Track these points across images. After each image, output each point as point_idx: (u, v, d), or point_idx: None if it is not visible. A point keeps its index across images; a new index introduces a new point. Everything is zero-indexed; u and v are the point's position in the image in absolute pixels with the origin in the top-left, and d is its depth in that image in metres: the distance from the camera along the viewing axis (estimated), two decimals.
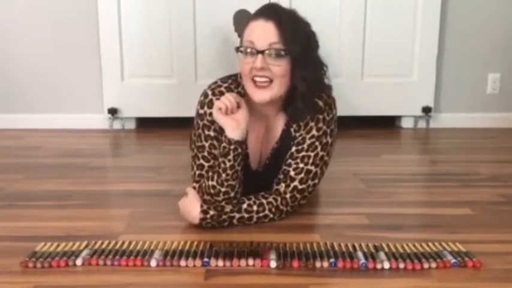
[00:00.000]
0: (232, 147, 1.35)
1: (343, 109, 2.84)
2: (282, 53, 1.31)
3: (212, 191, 1.37)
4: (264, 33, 1.30)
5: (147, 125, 2.97)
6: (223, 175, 1.36)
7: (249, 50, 1.32)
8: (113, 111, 2.88)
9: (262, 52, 1.30)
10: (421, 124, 2.97)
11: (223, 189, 1.37)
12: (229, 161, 1.35)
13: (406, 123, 2.99)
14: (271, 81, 1.33)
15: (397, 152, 2.53)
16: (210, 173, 1.39)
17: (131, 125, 2.96)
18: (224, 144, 1.36)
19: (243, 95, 1.42)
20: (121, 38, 2.81)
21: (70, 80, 2.90)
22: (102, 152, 2.54)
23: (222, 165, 1.36)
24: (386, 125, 3.02)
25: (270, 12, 1.33)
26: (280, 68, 1.32)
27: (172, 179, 1.87)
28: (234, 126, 1.35)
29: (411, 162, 2.32)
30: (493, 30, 2.89)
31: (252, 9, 1.53)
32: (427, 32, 2.83)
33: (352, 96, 2.89)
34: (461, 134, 2.81)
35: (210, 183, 1.38)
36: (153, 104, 2.88)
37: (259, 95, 1.34)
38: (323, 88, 1.43)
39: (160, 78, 2.86)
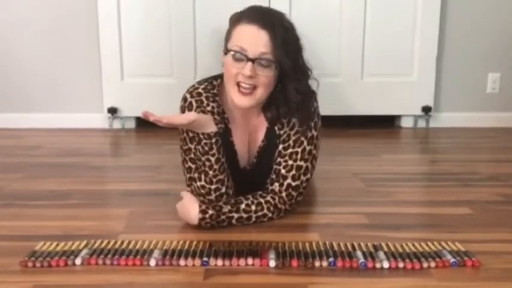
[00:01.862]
0: (213, 140, 1.35)
1: (343, 108, 2.89)
2: (273, 65, 1.31)
3: (202, 191, 1.37)
4: (257, 41, 1.30)
5: (146, 124, 2.95)
6: (211, 172, 1.36)
7: (238, 56, 1.31)
8: (112, 111, 2.88)
9: (253, 60, 1.30)
10: (421, 124, 2.98)
11: (213, 187, 1.37)
12: (214, 155, 1.35)
13: (406, 123, 2.99)
14: (254, 87, 1.33)
15: (397, 152, 2.53)
16: (196, 174, 1.38)
17: (131, 125, 2.96)
18: (205, 141, 1.34)
19: (217, 94, 1.43)
20: (121, 37, 2.81)
21: (70, 80, 2.91)
22: (102, 151, 2.54)
23: (207, 163, 1.36)
24: (386, 124, 3.02)
25: (263, 20, 1.31)
26: (267, 78, 1.32)
27: (171, 179, 1.87)
28: (211, 122, 1.35)
29: (411, 161, 2.32)
30: (493, 30, 2.89)
31: None
32: (427, 32, 2.83)
33: (352, 96, 2.89)
34: (460, 134, 2.81)
35: (199, 183, 1.37)
36: (152, 103, 2.87)
37: (242, 101, 1.34)
38: (312, 94, 1.43)
39: (160, 78, 2.86)
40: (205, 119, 1.35)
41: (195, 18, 2.79)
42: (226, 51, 1.35)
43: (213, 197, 1.37)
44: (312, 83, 1.44)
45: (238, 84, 1.33)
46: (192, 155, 1.40)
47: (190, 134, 1.39)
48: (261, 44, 1.29)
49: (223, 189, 1.38)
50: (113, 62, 2.84)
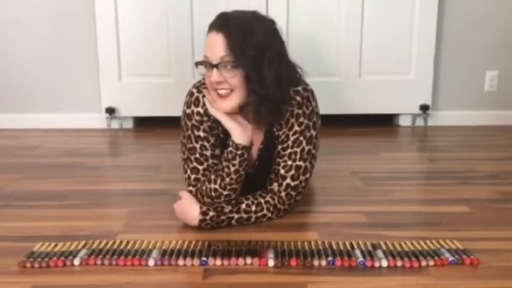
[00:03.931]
0: (239, 152, 1.34)
1: (341, 107, 2.90)
2: (234, 65, 1.29)
3: (214, 194, 1.37)
4: (215, 46, 1.29)
5: (145, 124, 2.97)
6: (227, 179, 1.35)
7: (206, 65, 1.32)
8: (110, 111, 2.88)
9: (216, 66, 1.29)
10: (419, 122, 2.98)
11: (225, 193, 1.36)
12: (234, 165, 1.35)
13: (404, 121, 3.00)
14: (231, 90, 1.32)
15: (395, 150, 2.53)
16: (213, 176, 1.37)
17: (129, 124, 2.96)
18: (231, 148, 1.35)
19: None
20: (118, 37, 2.81)
21: (68, 80, 2.90)
22: (100, 151, 2.54)
23: (226, 170, 1.35)
24: (384, 123, 3.02)
25: (220, 23, 1.31)
26: (235, 79, 1.30)
27: (170, 178, 1.87)
28: (241, 131, 1.35)
29: (409, 160, 2.32)
30: (491, 28, 2.89)
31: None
32: (425, 30, 2.83)
33: (350, 95, 2.89)
34: (459, 132, 2.81)
35: (212, 186, 1.36)
36: (150, 103, 2.88)
37: (222, 105, 1.34)
38: (285, 93, 1.37)
39: (158, 77, 2.86)
40: (246, 124, 1.36)
41: (193, 18, 2.79)
42: (197, 63, 1.35)
43: (221, 200, 1.37)
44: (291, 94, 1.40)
45: (216, 91, 1.34)
46: (198, 155, 1.40)
47: (196, 133, 1.39)
48: (219, 47, 1.28)
49: (233, 196, 1.38)
50: (111, 62, 2.84)
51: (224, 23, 1.30)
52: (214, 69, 1.29)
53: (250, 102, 1.33)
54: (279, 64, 1.33)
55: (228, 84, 1.31)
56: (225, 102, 1.34)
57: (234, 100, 1.33)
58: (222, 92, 1.33)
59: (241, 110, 1.37)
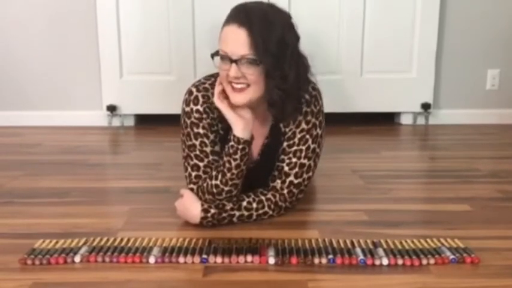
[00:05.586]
0: (240, 146, 1.34)
1: (342, 106, 2.89)
2: (255, 62, 1.28)
3: (215, 190, 1.36)
4: (237, 42, 1.27)
5: (146, 121, 2.97)
6: (228, 174, 1.35)
7: (224, 58, 1.31)
8: (111, 108, 2.88)
9: (236, 61, 1.28)
10: (420, 120, 2.98)
11: (226, 188, 1.36)
12: (235, 160, 1.34)
13: (405, 120, 2.99)
14: (248, 85, 1.31)
15: (396, 149, 2.53)
16: (214, 172, 1.37)
17: (130, 122, 2.96)
18: (232, 143, 1.34)
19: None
20: (119, 34, 2.81)
21: (69, 77, 2.90)
22: (101, 149, 2.54)
23: (227, 165, 1.35)
24: (385, 121, 3.02)
25: (242, 16, 1.28)
26: (254, 76, 1.29)
27: (171, 176, 1.87)
28: (244, 125, 1.34)
29: (410, 158, 2.32)
30: (493, 26, 2.89)
31: None
32: (426, 28, 2.83)
33: (351, 93, 2.89)
34: (460, 130, 2.81)
35: (214, 182, 1.36)
36: (152, 100, 2.88)
37: (237, 98, 1.33)
38: (303, 88, 1.39)
39: (159, 75, 2.86)
40: (248, 118, 1.35)
41: (194, 15, 2.79)
42: (213, 54, 1.34)
43: (222, 197, 1.37)
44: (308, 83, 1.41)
45: (231, 84, 1.33)
46: (198, 152, 1.39)
47: (195, 130, 1.39)
48: (241, 44, 1.27)
49: (235, 192, 1.38)
50: (112, 60, 2.84)
51: (246, 17, 1.28)
52: (233, 65, 1.28)
53: (275, 97, 1.32)
54: (298, 60, 1.34)
55: (245, 79, 1.30)
56: (239, 96, 1.32)
57: (250, 94, 1.32)
58: (238, 86, 1.32)
59: (270, 105, 1.36)
